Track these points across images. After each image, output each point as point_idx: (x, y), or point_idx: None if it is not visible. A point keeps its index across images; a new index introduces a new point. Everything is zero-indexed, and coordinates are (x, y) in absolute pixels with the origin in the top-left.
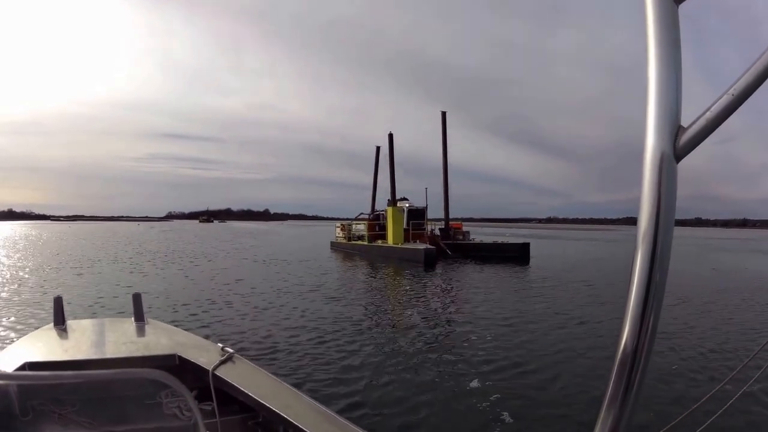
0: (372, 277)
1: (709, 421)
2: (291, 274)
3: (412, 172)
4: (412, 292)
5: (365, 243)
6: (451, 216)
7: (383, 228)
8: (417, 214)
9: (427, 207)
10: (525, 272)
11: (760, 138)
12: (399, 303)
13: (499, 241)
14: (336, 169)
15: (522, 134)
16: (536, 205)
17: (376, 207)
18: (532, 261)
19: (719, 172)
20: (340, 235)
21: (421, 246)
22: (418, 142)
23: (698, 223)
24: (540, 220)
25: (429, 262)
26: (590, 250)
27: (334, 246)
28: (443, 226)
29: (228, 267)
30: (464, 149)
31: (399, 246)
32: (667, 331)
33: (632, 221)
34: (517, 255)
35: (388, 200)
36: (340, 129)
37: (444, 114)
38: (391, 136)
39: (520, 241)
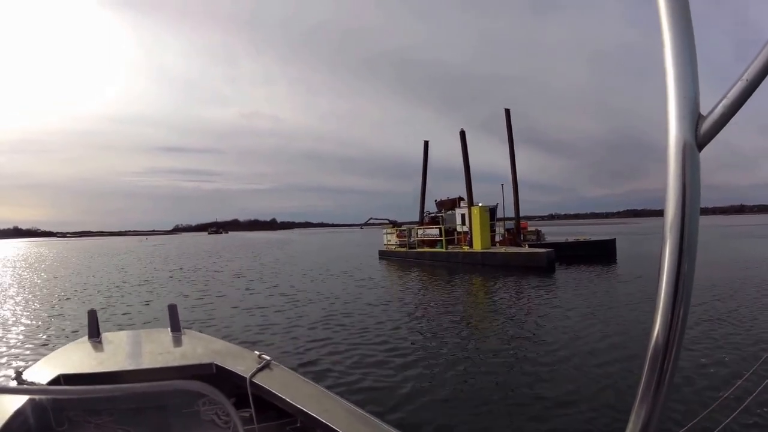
0: (509, 294)
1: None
2: (402, 297)
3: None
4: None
5: (440, 250)
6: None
7: (448, 232)
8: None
9: (498, 206)
10: (633, 272)
11: (752, 123)
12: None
13: (581, 240)
14: (332, 176)
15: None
16: (535, 202)
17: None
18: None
19: (714, 159)
20: (393, 242)
21: (541, 249)
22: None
23: (702, 211)
24: (543, 217)
25: (551, 267)
26: (636, 245)
27: (386, 255)
28: (511, 227)
29: (311, 291)
30: (456, 149)
31: (502, 251)
32: None
33: (632, 213)
34: (602, 253)
35: (436, 201)
36: (335, 134)
37: (508, 111)
38: (462, 133)
39: (597, 238)
